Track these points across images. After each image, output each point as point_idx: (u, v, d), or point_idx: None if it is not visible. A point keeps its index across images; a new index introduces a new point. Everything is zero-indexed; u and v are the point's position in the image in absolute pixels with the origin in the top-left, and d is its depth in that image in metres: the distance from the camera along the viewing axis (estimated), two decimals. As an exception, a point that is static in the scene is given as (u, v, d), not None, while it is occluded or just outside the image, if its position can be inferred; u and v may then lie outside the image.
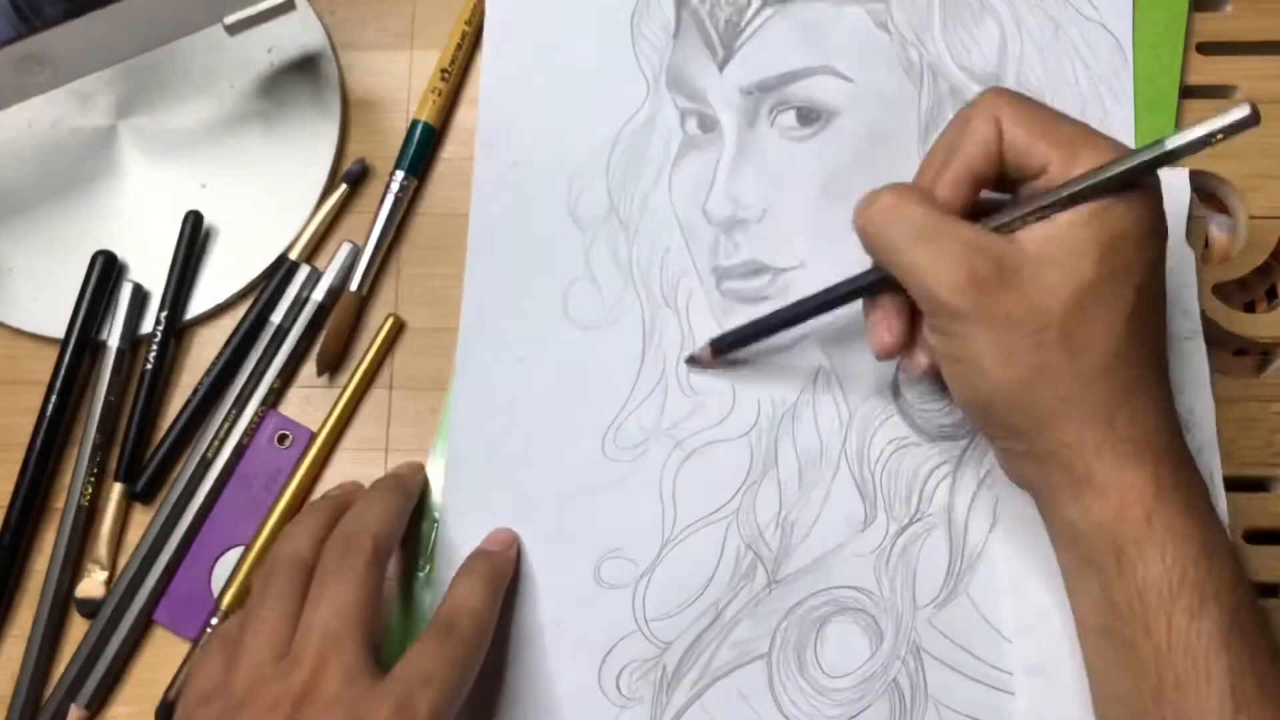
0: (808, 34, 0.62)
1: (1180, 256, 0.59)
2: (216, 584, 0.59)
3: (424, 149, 0.63)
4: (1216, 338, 0.59)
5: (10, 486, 0.60)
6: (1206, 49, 0.63)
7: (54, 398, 0.60)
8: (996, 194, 0.51)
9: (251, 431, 0.60)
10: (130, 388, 0.62)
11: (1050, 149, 0.47)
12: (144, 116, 0.64)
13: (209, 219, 0.63)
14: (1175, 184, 0.60)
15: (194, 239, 0.62)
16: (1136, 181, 0.46)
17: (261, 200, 0.63)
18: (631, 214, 0.61)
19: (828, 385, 0.58)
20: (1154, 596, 0.45)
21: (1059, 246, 0.46)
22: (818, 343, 0.59)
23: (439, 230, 0.63)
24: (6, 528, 0.59)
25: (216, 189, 0.63)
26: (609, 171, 0.61)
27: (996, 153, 0.48)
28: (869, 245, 0.50)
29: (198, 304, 0.62)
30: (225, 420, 0.60)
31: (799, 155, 0.60)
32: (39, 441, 0.60)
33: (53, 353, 0.61)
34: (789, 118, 0.61)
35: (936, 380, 0.54)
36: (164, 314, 0.61)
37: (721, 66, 0.61)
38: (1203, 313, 0.59)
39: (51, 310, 0.62)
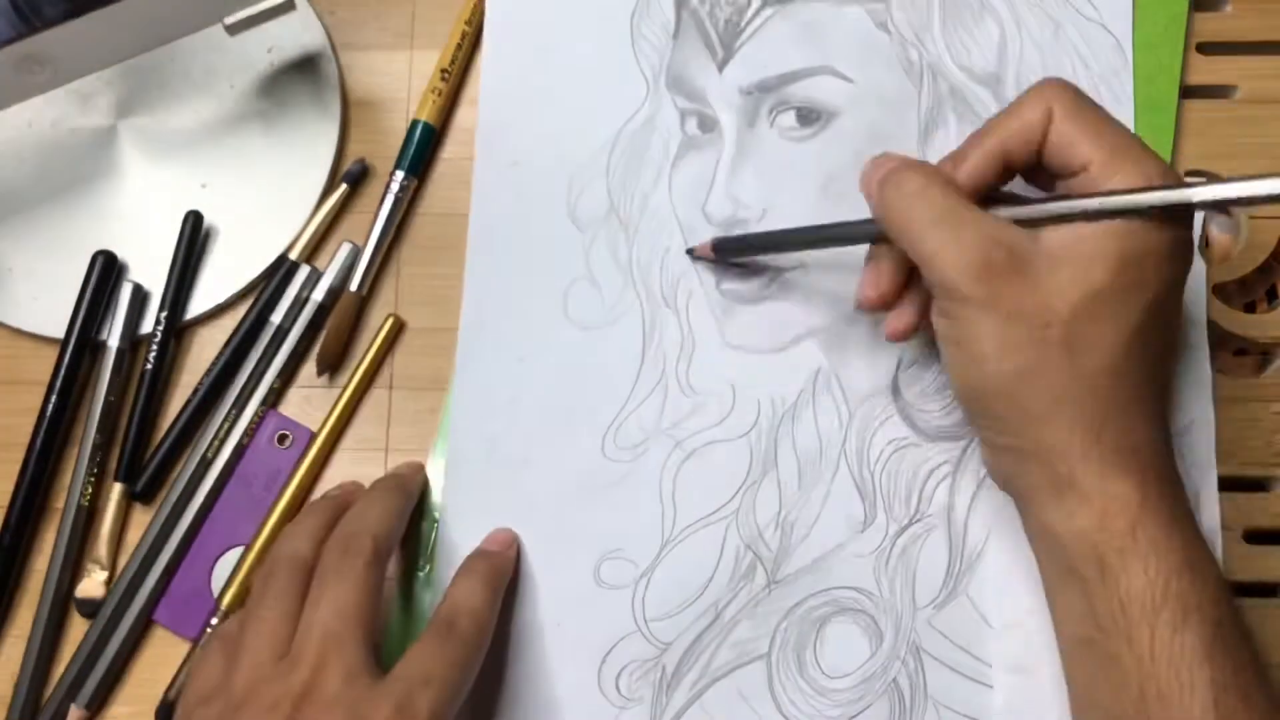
0: (807, 34, 0.62)
1: (1192, 268, 0.58)
2: (216, 584, 0.59)
3: (424, 149, 0.63)
4: (1216, 338, 0.59)
5: (10, 486, 0.60)
6: (1206, 49, 0.63)
7: (54, 398, 0.60)
8: (1023, 189, 0.51)
9: (251, 431, 0.61)
10: (130, 388, 0.62)
11: (1094, 151, 0.46)
12: (144, 116, 0.64)
13: (209, 219, 0.63)
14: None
15: (194, 239, 0.62)
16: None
17: (261, 200, 0.63)
18: (631, 214, 0.61)
19: (827, 385, 0.58)
20: (1137, 608, 0.45)
21: (1077, 249, 0.46)
22: (818, 343, 0.59)
23: (439, 230, 0.63)
24: (6, 528, 0.59)
25: (216, 189, 0.63)
26: (609, 171, 0.61)
27: (1036, 139, 0.48)
28: (888, 225, 0.50)
29: (198, 304, 0.62)
30: (225, 420, 0.60)
31: (799, 155, 0.60)
32: (39, 441, 0.60)
33: (53, 353, 0.61)
34: (789, 118, 0.61)
35: (934, 376, 0.54)
36: (164, 314, 0.61)
37: (721, 67, 0.61)
38: (1204, 313, 0.59)
39: (51, 310, 0.62)
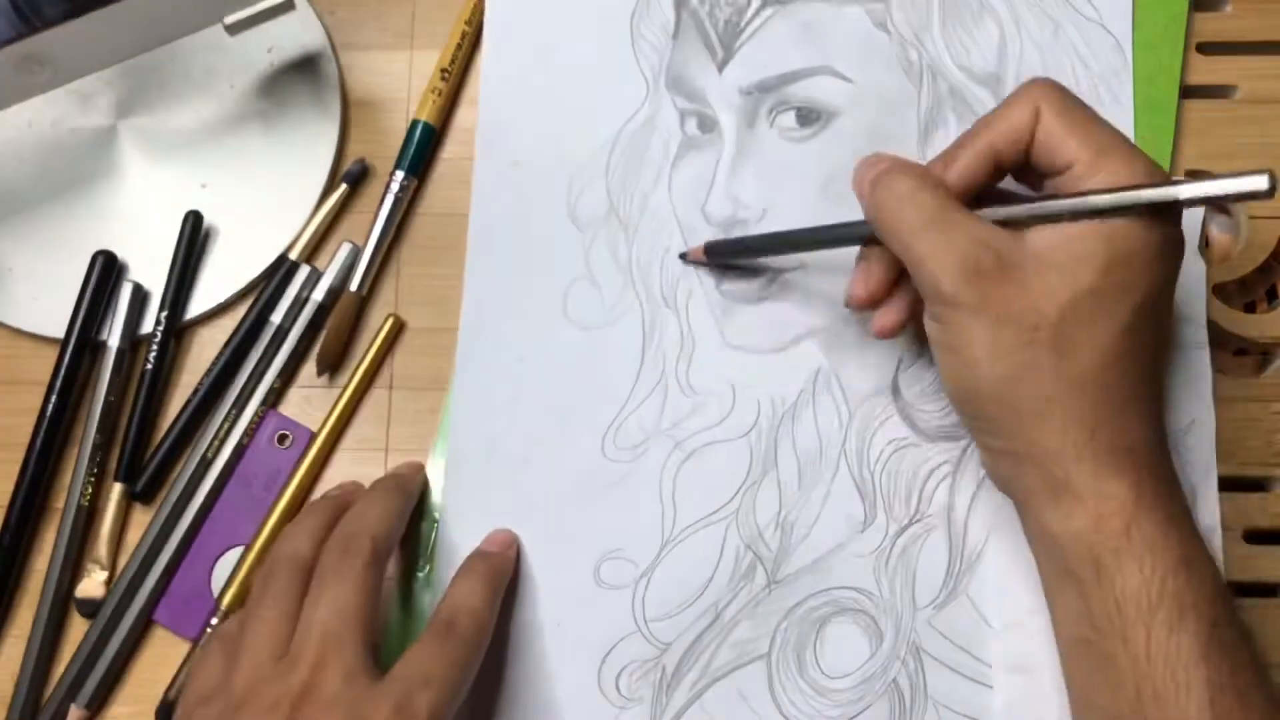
0: (807, 34, 0.62)
1: (1192, 267, 0.59)
2: (216, 584, 0.59)
3: (424, 149, 0.63)
4: (1216, 338, 0.59)
5: (10, 486, 0.60)
6: (1206, 49, 0.63)
7: (54, 398, 0.60)
8: (1014, 187, 0.51)
9: (251, 431, 0.61)
10: (130, 388, 0.62)
11: (1080, 149, 0.46)
12: (144, 116, 0.64)
13: (209, 219, 0.63)
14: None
15: (194, 239, 0.62)
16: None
17: (261, 200, 0.63)
18: (631, 214, 0.61)
19: (827, 385, 0.58)
20: (1132, 608, 0.45)
21: (1065, 250, 0.46)
22: (818, 343, 0.59)
23: (439, 230, 0.63)
24: (6, 528, 0.59)
25: (216, 189, 0.63)
26: (609, 172, 0.61)
27: (1025, 138, 0.48)
28: (878, 227, 0.50)
29: (198, 304, 0.62)
30: (225, 420, 0.60)
31: (799, 156, 0.60)
32: (39, 441, 0.60)
33: (53, 353, 0.61)
34: (788, 118, 0.61)
35: (934, 377, 0.54)
36: (164, 314, 0.61)
37: (721, 67, 0.61)
38: (1204, 313, 0.59)
39: (51, 310, 0.62)
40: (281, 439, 0.61)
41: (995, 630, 0.56)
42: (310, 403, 0.62)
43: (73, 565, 0.60)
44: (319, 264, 0.63)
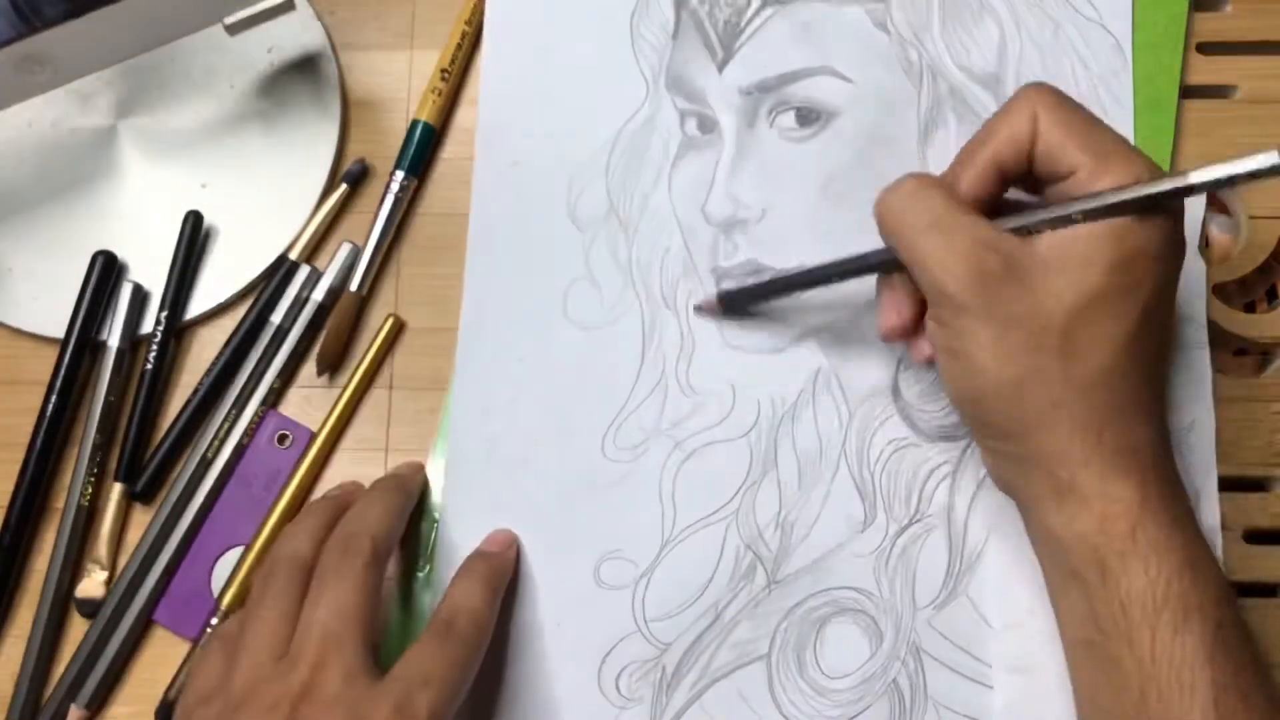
0: (807, 34, 0.61)
1: (1192, 267, 0.58)
2: (216, 584, 0.59)
3: (424, 149, 0.63)
4: (1216, 338, 0.59)
5: (10, 486, 0.60)
6: (1206, 49, 0.63)
7: (54, 398, 0.60)
8: (1024, 195, 0.51)
9: (251, 431, 0.61)
10: (130, 388, 0.62)
11: (1082, 154, 0.46)
12: (144, 116, 0.64)
13: (209, 219, 0.63)
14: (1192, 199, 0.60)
15: (194, 239, 0.62)
16: (1159, 204, 0.46)
17: (261, 200, 0.63)
18: (631, 214, 0.61)
19: (827, 386, 0.58)
20: (1137, 610, 0.45)
21: (1071, 253, 0.46)
22: (818, 343, 0.59)
23: (439, 230, 0.63)
24: (6, 528, 0.59)
25: (216, 189, 0.63)
26: (609, 172, 0.61)
27: (1027, 149, 0.48)
28: (883, 229, 0.50)
29: (198, 304, 0.62)
30: (225, 420, 0.60)
31: (798, 156, 0.60)
32: (39, 441, 0.60)
33: (53, 353, 0.61)
34: (788, 118, 0.61)
35: (934, 377, 0.54)
36: (164, 314, 0.61)
37: (721, 67, 0.61)
38: (1204, 313, 0.59)
39: (51, 310, 0.62)
40: (281, 439, 0.61)
41: (995, 630, 0.56)
42: (310, 403, 0.62)
43: (73, 565, 0.60)
44: (319, 264, 0.63)
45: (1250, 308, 0.62)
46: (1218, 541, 0.56)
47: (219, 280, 0.63)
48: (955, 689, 0.55)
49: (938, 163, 0.59)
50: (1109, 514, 0.46)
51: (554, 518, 0.58)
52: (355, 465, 0.61)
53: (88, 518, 0.60)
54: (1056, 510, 0.47)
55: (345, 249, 0.62)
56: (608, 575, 0.57)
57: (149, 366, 0.61)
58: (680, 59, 0.62)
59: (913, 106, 0.61)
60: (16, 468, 0.60)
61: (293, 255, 0.62)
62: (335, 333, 0.61)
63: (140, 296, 0.62)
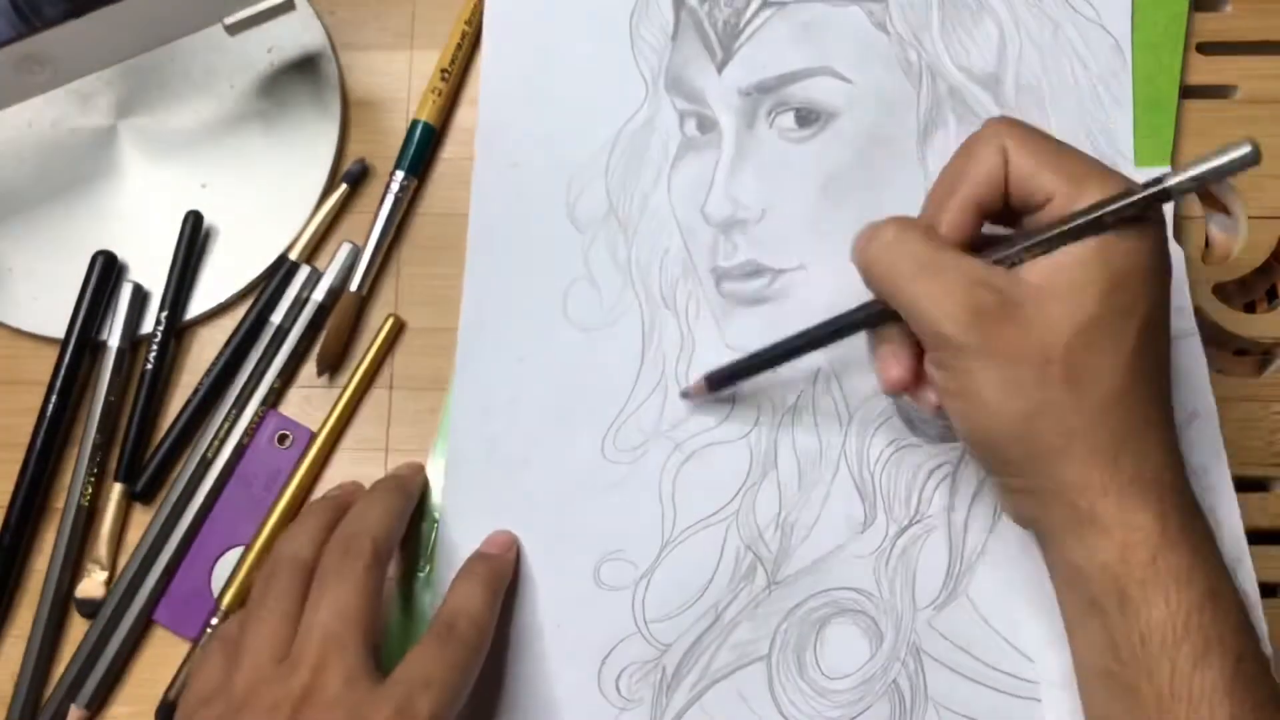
0: (806, 35, 0.61)
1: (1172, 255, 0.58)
2: (216, 584, 0.59)
3: (424, 149, 0.63)
4: (1216, 338, 0.59)
5: (10, 486, 0.60)
6: (1206, 49, 0.63)
7: (54, 398, 0.60)
8: (1000, 228, 0.50)
9: (251, 431, 0.61)
10: (130, 388, 0.62)
11: (1056, 180, 0.46)
12: (144, 116, 0.64)
13: (209, 219, 0.63)
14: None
15: (194, 239, 0.62)
16: (1141, 217, 0.45)
17: (261, 200, 0.63)
18: (630, 215, 0.61)
19: (827, 386, 0.58)
20: (1157, 640, 0.44)
21: (1062, 280, 0.45)
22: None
23: (439, 230, 0.63)
24: (6, 528, 0.59)
25: (216, 189, 0.63)
26: (608, 172, 0.61)
27: (1001, 182, 0.47)
28: (870, 280, 0.50)
29: (198, 304, 0.62)
30: (225, 420, 0.60)
31: (798, 156, 0.60)
32: (39, 441, 0.60)
33: (53, 353, 0.61)
34: (788, 119, 0.61)
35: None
36: (164, 314, 0.61)
37: (720, 68, 0.61)
38: (1203, 312, 0.59)
39: (52, 310, 0.62)
40: (281, 439, 0.61)
41: (1031, 653, 0.55)
42: (310, 403, 0.62)
43: (73, 565, 0.60)
44: (319, 264, 0.63)
45: (1250, 308, 0.62)
46: (1240, 539, 0.56)
47: (219, 280, 0.63)
48: (955, 689, 0.55)
49: (937, 163, 0.59)
50: (1129, 542, 0.45)
51: (554, 519, 0.58)
52: (355, 465, 0.61)
53: (88, 518, 0.60)
54: (1076, 541, 0.46)
55: (345, 249, 0.62)
56: (608, 576, 0.57)
57: (149, 366, 0.61)
58: (679, 60, 0.62)
59: (912, 107, 0.61)
60: (16, 468, 0.60)
61: (293, 255, 0.62)
62: (335, 333, 0.61)
63: (140, 296, 0.62)
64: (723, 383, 0.57)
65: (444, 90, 0.63)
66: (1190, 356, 0.58)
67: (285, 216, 0.63)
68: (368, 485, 0.57)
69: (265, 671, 0.47)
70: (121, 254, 0.62)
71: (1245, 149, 0.43)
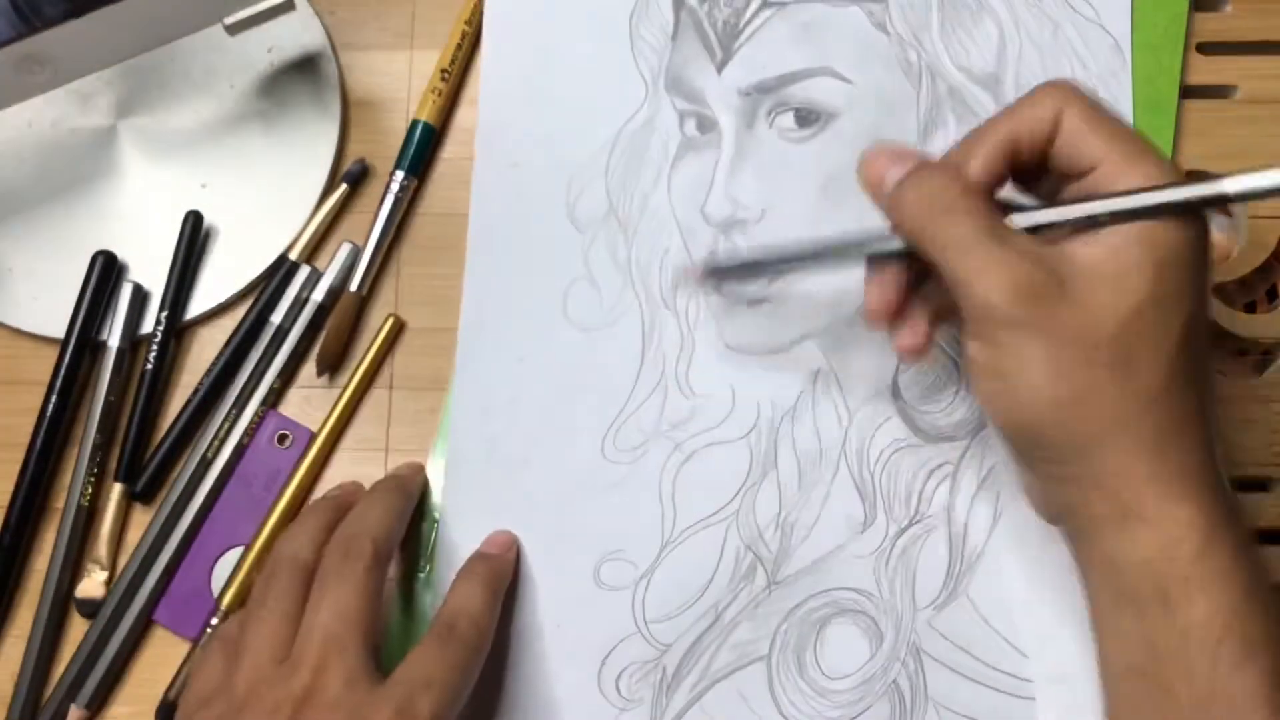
0: (806, 35, 0.61)
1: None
2: (216, 584, 0.59)
3: (424, 149, 0.63)
4: (1217, 338, 0.59)
5: (10, 486, 0.60)
6: (1207, 49, 0.63)
7: (54, 398, 0.60)
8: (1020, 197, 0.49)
9: (251, 431, 0.61)
10: (130, 388, 0.62)
11: (1106, 150, 0.44)
12: (144, 116, 0.64)
13: (209, 219, 0.63)
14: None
15: (194, 239, 0.62)
16: (1189, 209, 0.44)
17: (261, 200, 0.63)
18: (630, 215, 0.61)
19: (827, 387, 0.58)
20: (1197, 641, 0.42)
21: (1114, 262, 0.43)
22: (817, 344, 0.59)
23: (439, 230, 0.63)
24: (6, 528, 0.59)
25: (216, 189, 0.63)
26: (608, 172, 0.61)
27: (1046, 135, 0.45)
28: (913, 234, 0.47)
29: (198, 304, 0.62)
30: (225, 420, 0.60)
31: (798, 156, 0.60)
32: (39, 441, 0.60)
33: (53, 353, 0.61)
34: (787, 119, 0.61)
35: (933, 378, 0.54)
36: (164, 314, 0.61)
37: (720, 68, 0.61)
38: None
39: (51, 310, 0.62)
40: (281, 439, 0.61)
41: (1026, 648, 0.55)
42: (310, 403, 0.62)
43: (73, 565, 0.60)
44: (319, 264, 0.63)
45: (1251, 308, 0.62)
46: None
47: (219, 280, 0.63)
48: (956, 689, 0.55)
49: (937, 163, 0.59)
50: (1173, 537, 0.43)
51: (554, 519, 0.58)
52: (355, 465, 0.61)
53: (88, 518, 0.60)
54: (1116, 534, 0.44)
55: (345, 249, 0.62)
56: (608, 576, 0.57)
57: (149, 366, 0.61)
58: (679, 60, 0.62)
59: (912, 107, 0.61)
60: (16, 468, 0.60)
61: (293, 255, 0.62)
62: (335, 333, 0.61)
63: (140, 296, 0.62)
64: (718, 276, 0.57)
65: (444, 90, 0.63)
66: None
67: (285, 216, 0.63)
68: (368, 485, 0.57)
69: (265, 672, 0.47)
70: (121, 254, 0.62)
71: None
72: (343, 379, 0.61)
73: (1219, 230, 0.62)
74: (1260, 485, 0.59)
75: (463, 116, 0.65)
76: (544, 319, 0.60)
